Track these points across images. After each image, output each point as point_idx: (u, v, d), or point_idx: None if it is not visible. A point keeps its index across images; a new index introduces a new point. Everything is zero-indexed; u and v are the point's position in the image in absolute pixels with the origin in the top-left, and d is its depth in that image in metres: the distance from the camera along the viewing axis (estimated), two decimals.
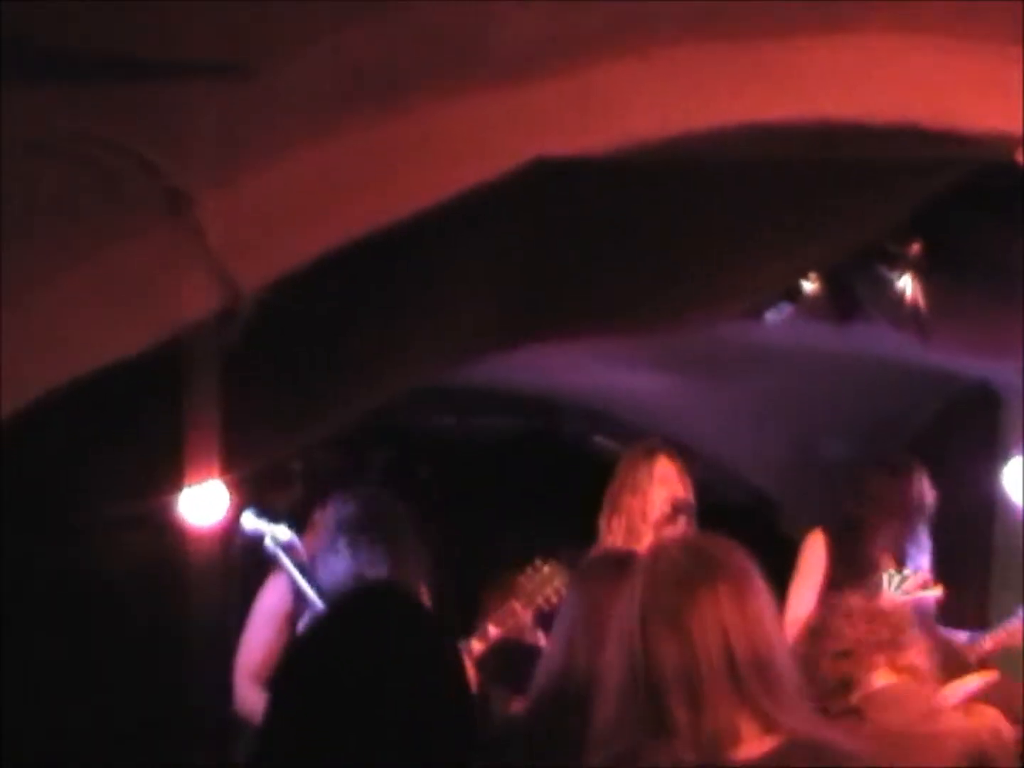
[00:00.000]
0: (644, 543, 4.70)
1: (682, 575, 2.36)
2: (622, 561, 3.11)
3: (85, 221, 2.72)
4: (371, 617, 1.93)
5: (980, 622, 5.33)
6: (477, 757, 1.90)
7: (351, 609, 2.01)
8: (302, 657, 1.95)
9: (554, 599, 4.49)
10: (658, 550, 2.54)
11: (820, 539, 5.16)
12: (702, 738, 2.25)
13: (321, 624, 2.05)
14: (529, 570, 4.64)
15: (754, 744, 2.26)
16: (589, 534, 5.06)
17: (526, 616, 4.54)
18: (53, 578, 2.73)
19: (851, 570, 5.00)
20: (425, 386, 4.63)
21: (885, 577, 4.93)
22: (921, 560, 5.22)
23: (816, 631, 3.19)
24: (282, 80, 2.78)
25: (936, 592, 5.03)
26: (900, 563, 5.12)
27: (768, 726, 2.27)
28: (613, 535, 4.99)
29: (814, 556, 5.11)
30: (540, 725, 3.00)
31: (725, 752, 2.25)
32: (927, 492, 5.23)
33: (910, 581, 4.95)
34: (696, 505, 5.01)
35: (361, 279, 2.97)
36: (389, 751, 1.80)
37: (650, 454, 5.09)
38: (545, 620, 4.44)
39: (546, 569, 4.60)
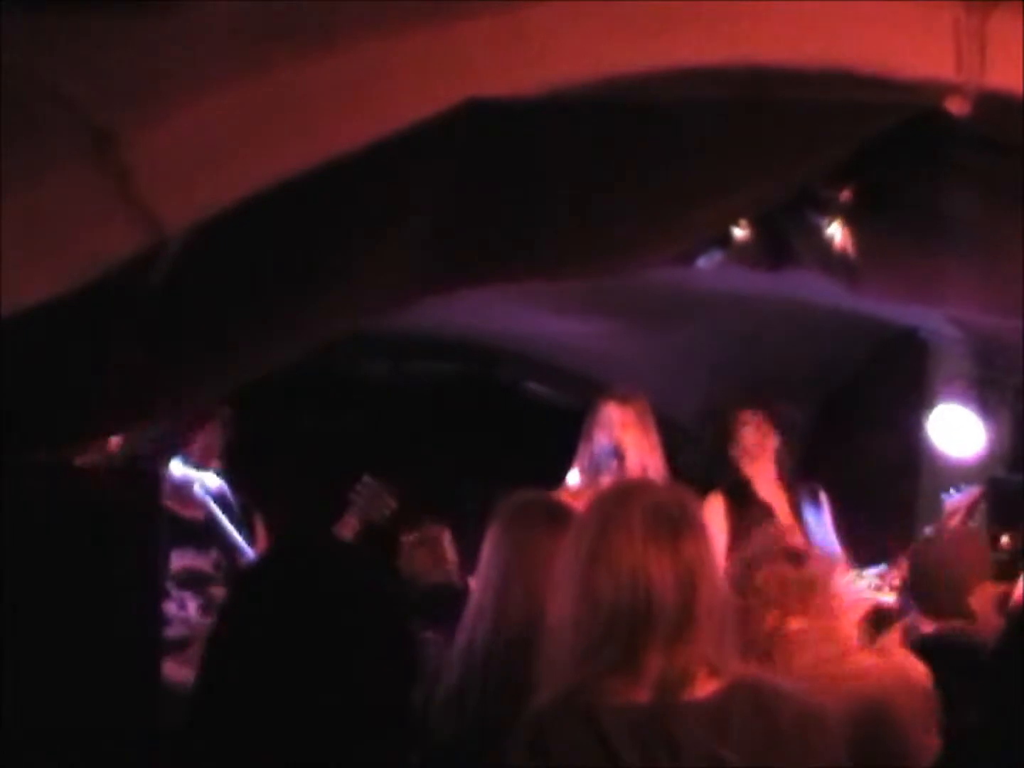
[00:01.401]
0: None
1: (643, 526, 2.36)
2: (548, 506, 3.20)
3: (5, 159, 2.65)
4: (311, 565, 1.91)
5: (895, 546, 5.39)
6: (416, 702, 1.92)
7: (289, 558, 1.99)
8: (240, 605, 1.94)
9: (386, 512, 4.86)
10: (613, 500, 2.51)
11: (719, 502, 5.20)
12: (666, 680, 2.30)
13: (258, 574, 2.05)
14: (359, 487, 4.90)
15: (704, 684, 2.32)
16: (522, 479, 5.08)
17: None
18: None
19: (748, 519, 5.04)
20: (357, 331, 4.61)
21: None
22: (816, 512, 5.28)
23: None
24: (208, 15, 2.74)
25: (890, 597, 5.07)
26: (794, 507, 5.18)
27: (713, 669, 2.33)
28: (575, 483, 5.13)
29: (714, 521, 5.11)
30: (475, 665, 3.01)
31: (681, 693, 2.30)
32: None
33: (865, 582, 5.00)
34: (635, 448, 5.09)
35: (290, 220, 2.91)
36: (329, 695, 1.80)
37: (601, 401, 5.23)
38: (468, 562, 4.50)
39: (374, 486, 4.91)
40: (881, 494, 5.42)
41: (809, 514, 5.27)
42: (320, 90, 2.80)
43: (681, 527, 2.36)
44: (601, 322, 6.05)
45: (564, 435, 5.35)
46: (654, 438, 5.22)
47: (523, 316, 5.98)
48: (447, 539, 4.89)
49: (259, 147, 2.78)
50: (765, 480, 5.31)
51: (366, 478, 4.95)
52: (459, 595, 3.54)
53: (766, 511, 5.19)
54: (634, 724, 2.27)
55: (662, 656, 2.30)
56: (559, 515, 3.04)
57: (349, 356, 6.47)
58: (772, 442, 5.33)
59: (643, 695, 2.30)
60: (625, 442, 5.10)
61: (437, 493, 6.01)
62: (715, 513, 5.13)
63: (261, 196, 2.73)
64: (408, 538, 4.80)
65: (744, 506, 5.20)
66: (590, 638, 2.33)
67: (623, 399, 5.22)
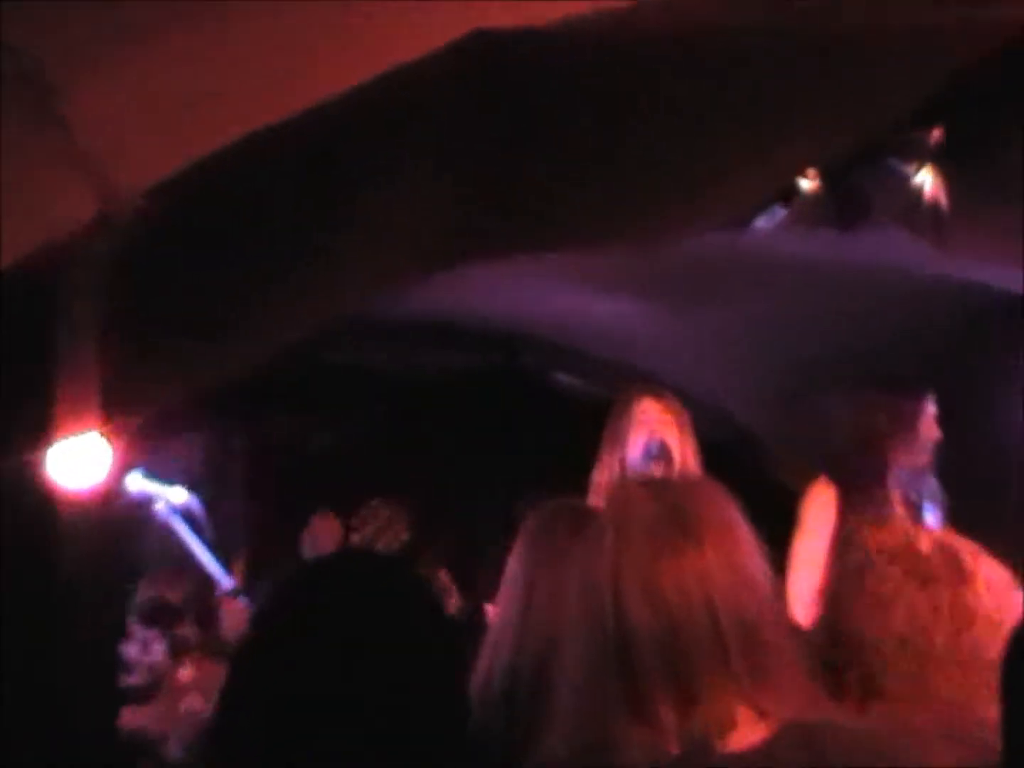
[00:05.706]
0: None
1: (657, 531, 2.26)
2: (577, 513, 3.08)
3: None
4: (356, 578, 1.99)
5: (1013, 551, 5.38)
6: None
7: (331, 571, 2.07)
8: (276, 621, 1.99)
9: (394, 545, 4.90)
10: (625, 500, 2.40)
11: (828, 491, 5.12)
12: (688, 727, 2.17)
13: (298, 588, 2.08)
14: (364, 512, 4.97)
15: (747, 731, 2.19)
16: (550, 476, 5.08)
17: None
18: None
19: (865, 514, 4.98)
20: (356, 318, 4.59)
21: None
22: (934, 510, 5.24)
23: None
24: None
25: None
26: (914, 505, 5.14)
27: (760, 711, 2.19)
28: (597, 493, 5.03)
29: (822, 511, 5.06)
30: (493, 698, 2.94)
31: (715, 741, 2.17)
32: (935, 426, 5.24)
33: None
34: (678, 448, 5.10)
35: (267, 181, 2.86)
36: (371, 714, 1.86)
37: (633, 399, 5.24)
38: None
39: (384, 513, 4.99)
40: (984, 469, 5.37)
41: (928, 511, 5.25)
42: (302, 30, 2.75)
43: (700, 534, 2.24)
44: (639, 302, 6.09)
45: (598, 432, 5.31)
46: (693, 441, 5.22)
47: (550, 299, 6.02)
48: (445, 575, 4.96)
49: (230, 98, 2.74)
50: (895, 474, 5.25)
51: (375, 502, 4.96)
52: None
53: (888, 510, 5.12)
54: None
55: (685, 698, 2.18)
56: (589, 523, 2.97)
57: (347, 348, 6.51)
58: (911, 433, 5.25)
59: (671, 746, 2.17)
60: (669, 443, 5.11)
61: (453, 504, 6.08)
62: (822, 504, 5.07)
63: (230, 151, 2.67)
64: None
65: (862, 502, 5.09)
66: (596, 677, 2.23)
67: (658, 395, 5.25)
